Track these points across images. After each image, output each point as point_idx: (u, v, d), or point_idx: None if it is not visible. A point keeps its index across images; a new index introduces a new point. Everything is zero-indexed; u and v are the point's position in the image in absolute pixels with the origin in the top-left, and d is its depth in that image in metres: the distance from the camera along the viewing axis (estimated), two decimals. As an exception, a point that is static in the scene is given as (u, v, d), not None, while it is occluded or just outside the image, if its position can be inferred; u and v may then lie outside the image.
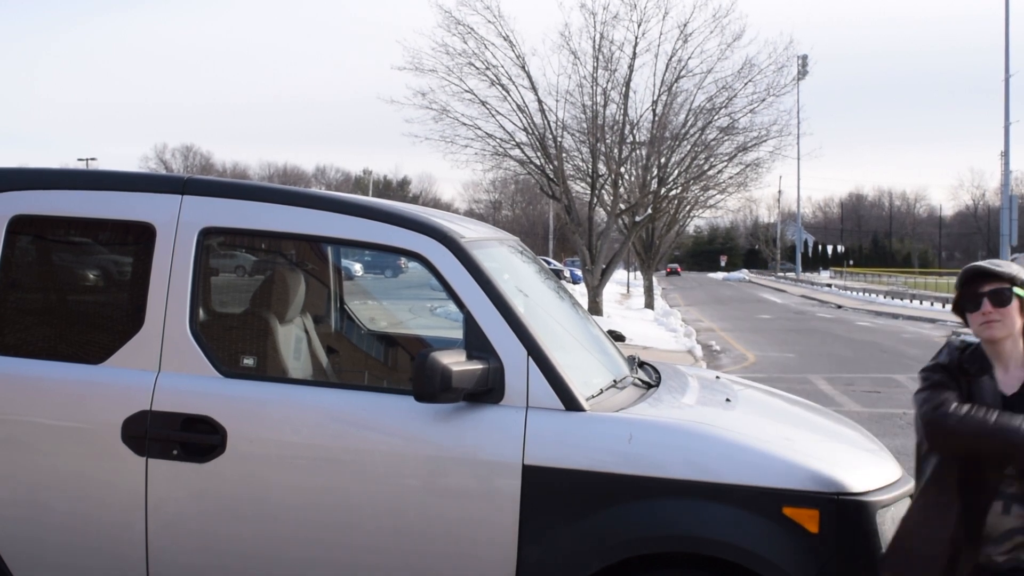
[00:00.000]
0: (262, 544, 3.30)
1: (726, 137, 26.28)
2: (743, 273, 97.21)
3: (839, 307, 40.86)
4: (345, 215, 3.50)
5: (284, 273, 4.05)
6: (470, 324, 3.32)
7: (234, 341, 3.67)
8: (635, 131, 25.21)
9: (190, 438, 3.31)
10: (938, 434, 2.79)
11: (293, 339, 3.89)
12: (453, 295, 3.37)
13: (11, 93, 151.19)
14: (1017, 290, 2.88)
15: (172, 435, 3.32)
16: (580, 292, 27.59)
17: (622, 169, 25.45)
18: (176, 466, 3.33)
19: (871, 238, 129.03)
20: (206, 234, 3.53)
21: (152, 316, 3.45)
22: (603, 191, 25.24)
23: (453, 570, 3.21)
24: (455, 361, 3.12)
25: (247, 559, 3.32)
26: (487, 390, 3.23)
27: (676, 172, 26.68)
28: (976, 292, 2.88)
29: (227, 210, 3.55)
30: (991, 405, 2.81)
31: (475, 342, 3.29)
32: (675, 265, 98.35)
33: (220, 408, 3.30)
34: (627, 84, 24.33)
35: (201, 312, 3.53)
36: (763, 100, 25.21)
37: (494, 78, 23.54)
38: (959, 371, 2.92)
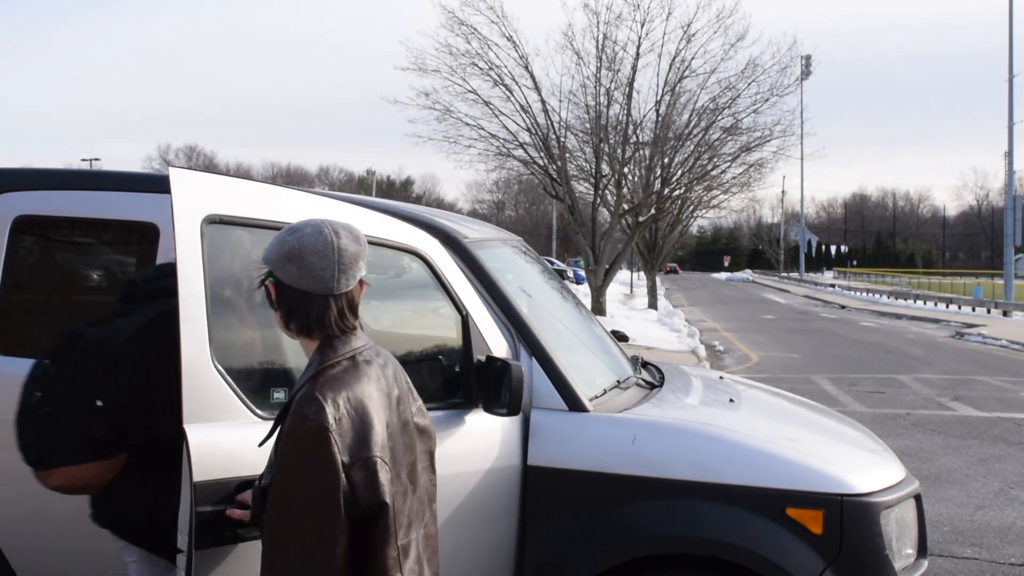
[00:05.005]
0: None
1: (729, 137, 26.24)
2: (747, 273, 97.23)
3: (843, 307, 40.81)
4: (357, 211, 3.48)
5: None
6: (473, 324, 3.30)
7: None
8: (638, 131, 25.18)
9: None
10: None
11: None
12: (457, 295, 3.35)
13: (14, 93, 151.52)
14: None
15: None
16: (583, 292, 27.58)
17: (625, 169, 25.41)
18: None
19: (875, 238, 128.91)
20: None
21: (155, 316, 3.44)
22: (606, 191, 25.21)
23: (454, 571, 3.20)
24: (458, 361, 3.11)
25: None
26: (490, 390, 3.21)
27: (679, 172, 26.67)
28: None
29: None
30: None
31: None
32: (674, 264, 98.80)
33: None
34: (630, 84, 24.30)
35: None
36: (766, 100, 25.18)
37: (497, 78, 23.51)
38: None
